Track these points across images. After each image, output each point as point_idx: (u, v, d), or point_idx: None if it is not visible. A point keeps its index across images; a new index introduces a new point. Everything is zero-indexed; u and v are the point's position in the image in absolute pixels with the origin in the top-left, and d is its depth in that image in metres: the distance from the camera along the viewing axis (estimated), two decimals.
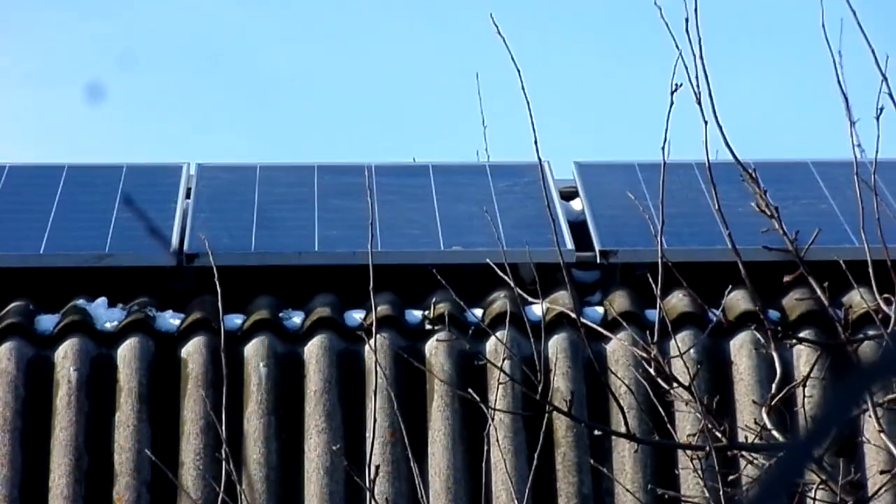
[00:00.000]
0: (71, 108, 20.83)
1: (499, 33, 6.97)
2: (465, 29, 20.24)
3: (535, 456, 7.73)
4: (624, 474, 8.45)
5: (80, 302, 9.22)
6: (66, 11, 20.83)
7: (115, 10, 21.00)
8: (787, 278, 7.57)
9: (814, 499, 6.79)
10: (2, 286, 9.38)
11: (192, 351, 8.97)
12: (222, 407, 8.03)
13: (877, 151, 6.57)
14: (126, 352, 8.96)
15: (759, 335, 8.67)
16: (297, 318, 9.21)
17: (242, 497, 7.53)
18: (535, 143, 7.32)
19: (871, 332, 7.06)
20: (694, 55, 6.49)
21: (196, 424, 8.74)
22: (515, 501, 7.98)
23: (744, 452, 7.05)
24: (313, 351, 9.00)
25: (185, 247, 9.46)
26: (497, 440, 8.52)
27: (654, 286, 7.19)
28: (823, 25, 6.59)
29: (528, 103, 7.10)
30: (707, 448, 6.87)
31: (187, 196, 10.23)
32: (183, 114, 21.62)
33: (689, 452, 7.61)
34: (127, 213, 9.56)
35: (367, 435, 8.44)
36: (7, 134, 21.87)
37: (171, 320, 9.16)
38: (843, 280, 7.04)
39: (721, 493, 6.71)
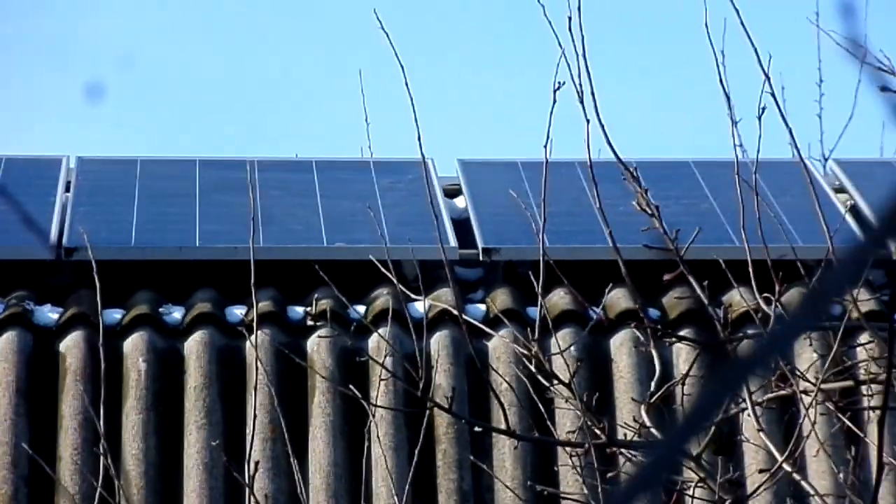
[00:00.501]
0: None
1: (382, 28, 6.99)
2: (347, 26, 20.26)
3: (416, 452, 7.75)
4: (504, 471, 8.49)
5: None
6: None
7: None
8: (666, 277, 7.63)
9: (692, 497, 6.85)
10: None
11: (71, 345, 8.96)
12: (101, 402, 8.02)
13: (758, 151, 6.62)
14: (3, 345, 8.94)
15: (639, 333, 8.71)
16: (177, 314, 9.21)
17: (120, 492, 7.52)
18: (419, 139, 7.34)
19: (750, 332, 7.12)
20: (577, 53, 6.52)
21: (74, 419, 8.73)
22: (395, 498, 8.01)
23: (623, 450, 7.09)
24: (193, 346, 9.01)
25: (64, 240, 9.44)
26: (378, 437, 8.56)
27: (535, 284, 7.22)
28: (706, 25, 6.64)
29: (411, 100, 7.13)
30: (586, 445, 6.92)
31: (67, 189, 10.21)
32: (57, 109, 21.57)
33: (568, 449, 7.66)
34: (2, 205, 9.53)
35: (248, 431, 8.46)
36: None
37: (49, 314, 9.14)
38: (723, 279, 7.09)
39: (600, 490, 6.76)
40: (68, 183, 10.29)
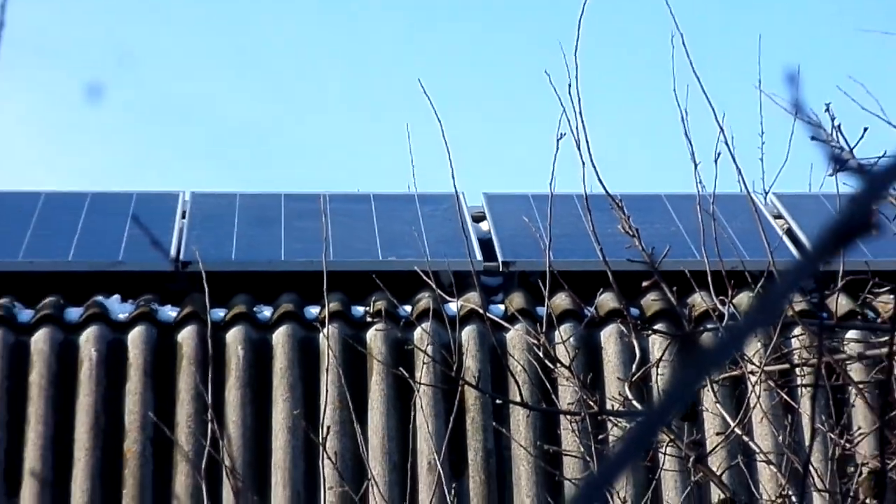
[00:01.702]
0: None
1: (425, 93, 6.95)
2: (394, 84, 20.14)
3: (451, 419, 7.71)
4: (519, 433, 8.45)
5: (100, 298, 9.17)
6: None
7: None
8: (644, 284, 7.58)
9: (664, 454, 6.81)
10: (38, 285, 9.33)
11: (186, 337, 8.93)
12: (208, 380, 7.98)
13: (714, 187, 6.58)
14: (135, 337, 8.92)
15: (623, 327, 8.69)
16: (267, 312, 9.17)
17: (223, 450, 7.49)
18: (453, 177, 7.31)
19: (709, 326, 7.07)
20: (575, 111, 6.50)
21: (188, 394, 8.70)
22: (435, 454, 7.97)
23: (610, 417, 7.06)
24: (279, 338, 8.98)
25: (182, 256, 9.43)
26: (421, 407, 8.52)
27: (543, 289, 7.20)
28: (675, 90, 6.60)
29: (447, 147, 7.10)
30: (582, 414, 6.88)
31: (183, 216, 10.21)
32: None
33: (568, 417, 7.63)
34: (136, 229, 9.53)
35: (321, 403, 8.42)
36: None
37: (169, 313, 9.12)
38: (688, 285, 7.05)
39: (592, 448, 6.72)
40: (184, 212, 10.29)
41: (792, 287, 1.47)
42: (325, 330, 8.79)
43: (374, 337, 8.97)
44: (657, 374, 7.45)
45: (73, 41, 19.84)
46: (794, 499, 6.15)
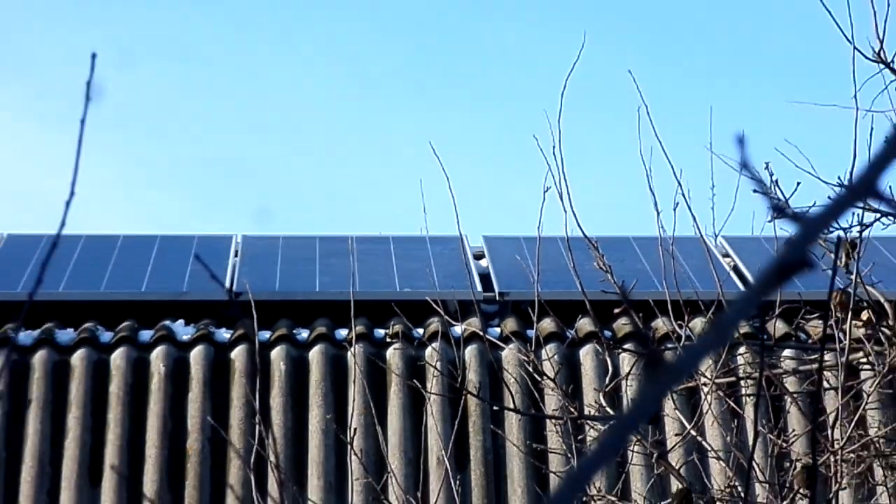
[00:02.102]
0: None
1: (435, 155, 6.93)
2: (410, 140, 20.12)
3: (456, 423, 7.68)
4: (512, 434, 8.40)
5: (167, 322, 9.15)
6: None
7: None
8: (616, 310, 7.56)
9: (632, 451, 6.78)
10: (117, 312, 9.32)
11: (238, 354, 8.90)
12: (256, 390, 7.96)
13: (674, 230, 6.55)
14: (196, 354, 8.89)
15: (598, 347, 8.66)
16: (304, 334, 9.13)
17: (269, 448, 7.45)
18: (458, 224, 7.31)
19: (669, 346, 7.02)
20: (558, 168, 6.48)
21: (239, 401, 8.67)
22: (443, 451, 7.94)
23: (588, 421, 7.01)
24: (314, 355, 8.94)
25: (234, 287, 9.42)
26: (431, 413, 8.47)
27: (532, 315, 7.18)
28: (640, 151, 6.58)
29: (453, 199, 7.09)
30: (564, 418, 6.84)
31: (235, 255, 10.21)
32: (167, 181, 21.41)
33: (553, 421, 7.59)
34: (197, 265, 9.53)
35: (349, 409, 8.40)
36: None
37: (224, 334, 9.09)
38: (651, 312, 7.02)
39: (573, 446, 6.68)
40: (236, 251, 10.28)
41: (740, 315, 1.43)
42: (353, 349, 8.78)
43: (393, 355, 8.94)
44: (626, 385, 7.42)
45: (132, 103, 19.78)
46: (739, 489, 6.11)
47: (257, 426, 7.74)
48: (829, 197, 5.95)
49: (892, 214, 5.81)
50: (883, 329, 5.98)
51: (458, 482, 7.81)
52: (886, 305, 6.06)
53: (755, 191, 5.41)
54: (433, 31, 20.33)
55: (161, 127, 19.36)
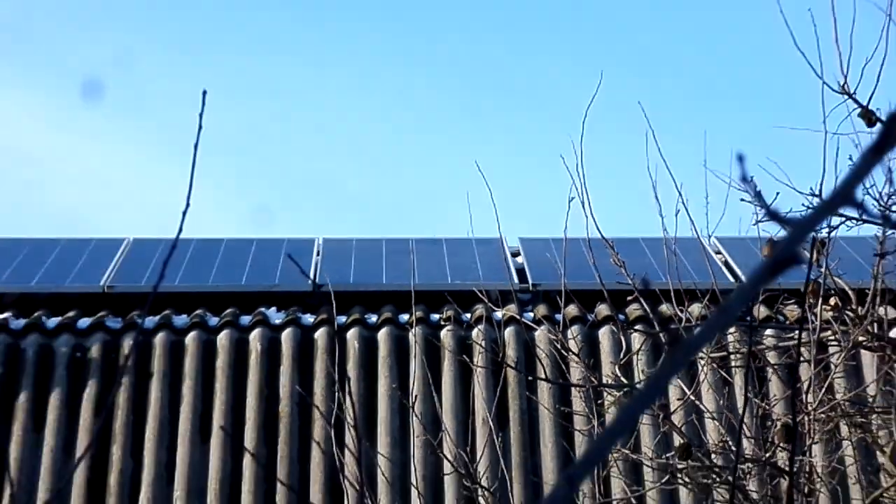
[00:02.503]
0: None
1: (480, 172, 6.92)
2: (461, 150, 19.96)
3: (497, 390, 7.68)
4: (544, 400, 8.39)
5: (262, 309, 9.19)
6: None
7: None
8: (628, 298, 7.56)
9: (642, 414, 6.77)
10: (221, 301, 9.35)
11: (320, 335, 8.91)
12: (335, 364, 8.00)
13: (676, 232, 6.53)
14: (286, 335, 8.91)
15: (613, 328, 8.64)
16: (373, 318, 9.13)
17: (346, 410, 7.47)
18: (499, 229, 7.31)
19: (672, 327, 7.00)
20: (581, 182, 6.47)
21: (321, 373, 8.68)
22: (487, 414, 7.94)
23: (606, 389, 7.00)
24: (382, 335, 8.95)
25: (317, 280, 9.45)
26: (477, 382, 8.48)
27: (559, 302, 7.18)
28: (648, 168, 6.55)
29: (496, 212, 7.09)
30: (587, 386, 6.83)
31: (317, 254, 10.23)
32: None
33: (577, 389, 7.58)
34: (287, 262, 9.55)
35: (411, 379, 8.42)
36: None
37: (309, 319, 9.11)
38: (658, 299, 7.00)
39: (594, 410, 6.67)
40: (318, 250, 10.31)
41: (741, 301, 1.40)
42: (413, 330, 8.79)
43: (446, 335, 8.93)
44: (637, 359, 7.40)
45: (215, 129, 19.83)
46: (730, 444, 6.09)
47: (336, 393, 7.77)
48: (808, 205, 5.90)
49: (857, 219, 5.75)
50: (847, 312, 5.95)
51: (499, 439, 7.79)
52: (850, 293, 6.03)
53: (748, 200, 5.40)
54: (479, 67, 20.28)
55: (249, 149, 19.36)
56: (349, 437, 7.42)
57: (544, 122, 19.76)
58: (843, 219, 5.47)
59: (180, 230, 2.43)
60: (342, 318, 8.98)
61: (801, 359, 6.03)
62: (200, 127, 2.51)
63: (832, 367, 6.21)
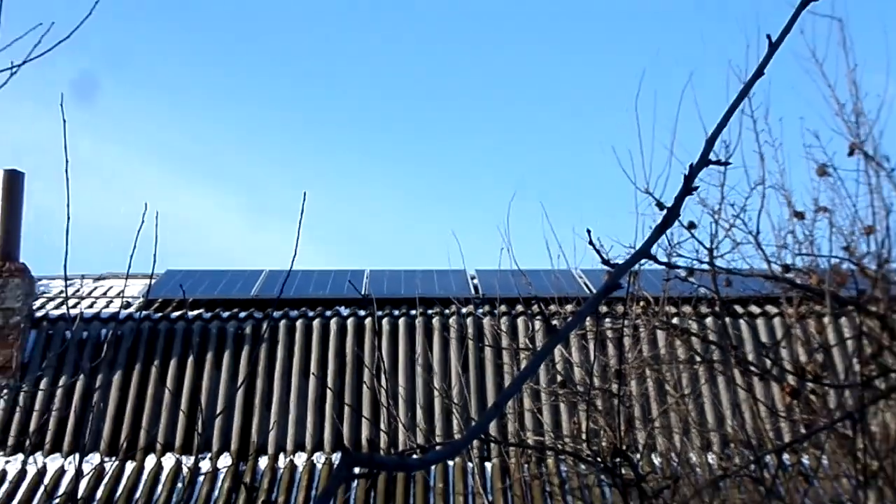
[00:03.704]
0: None
1: (457, 241, 6.85)
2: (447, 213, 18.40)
3: (462, 352, 7.36)
4: (488, 356, 7.86)
5: (337, 308, 8.70)
6: None
7: None
8: (533, 301, 6.90)
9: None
10: (315, 304, 8.76)
11: (367, 322, 8.31)
12: (375, 337, 7.53)
13: (558, 265, 6.06)
14: (350, 322, 8.32)
15: (526, 318, 7.99)
16: (396, 312, 8.52)
17: (381, 362, 7.21)
18: (464, 263, 7.17)
19: (556, 318, 6.78)
20: (507, 239, 6.26)
21: (369, 342, 8.22)
22: (458, 364, 7.62)
23: (522, 351, 6.58)
24: (402, 322, 8.30)
25: (366, 292, 8.83)
26: (452, 347, 8.02)
27: (497, 303, 6.91)
28: (545, 234, 6.49)
29: (461, 252, 7.05)
30: (511, 349, 6.46)
31: (366, 278, 9.56)
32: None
33: (505, 351, 7.18)
34: (353, 281, 8.97)
35: (417, 345, 7.89)
36: None
37: (361, 313, 8.48)
38: (548, 302, 6.50)
39: (517, 363, 6.39)
40: (367, 276, 9.64)
41: (589, 308, 1.24)
42: (417, 319, 8.17)
43: (436, 321, 8.28)
44: (538, 336, 6.98)
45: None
46: (587, 379, 5.78)
47: (375, 353, 7.35)
48: (626, 255, 5.85)
49: (654, 260, 5.65)
50: (651, 310, 5.87)
51: (463, 377, 7.48)
52: (651, 299, 6.01)
53: (596, 250, 5.35)
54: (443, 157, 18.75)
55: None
56: (383, 378, 7.34)
57: (486, 198, 18.69)
58: (646, 261, 5.44)
59: (291, 266, 2.55)
60: (379, 313, 8.65)
61: (624, 334, 5.98)
62: (301, 219, 2.58)
63: (641, 338, 6.15)
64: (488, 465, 7.00)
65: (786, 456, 4.27)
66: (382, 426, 7.38)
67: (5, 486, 6.67)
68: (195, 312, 8.47)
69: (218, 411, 7.59)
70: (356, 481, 6.91)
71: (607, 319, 7.42)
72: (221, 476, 7.05)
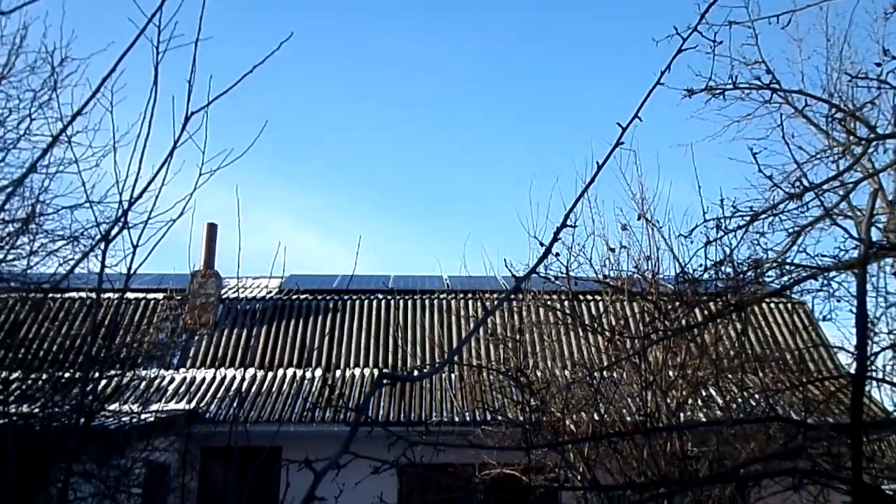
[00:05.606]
0: None
1: (439, 264, 8.36)
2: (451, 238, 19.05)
3: (446, 324, 8.88)
4: (462, 328, 9.38)
5: (377, 295, 9.85)
6: None
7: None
8: (486, 293, 7.88)
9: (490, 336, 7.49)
10: (366, 293, 10.16)
11: (394, 303, 9.83)
12: (400, 314, 8.80)
13: (528, 275, 4.75)
14: (383, 303, 9.97)
15: (483, 303, 8.96)
16: (413, 298, 9.67)
17: (405, 331, 8.46)
18: (442, 273, 9.70)
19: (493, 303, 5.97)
20: (463, 262, 7.88)
21: (395, 318, 9.83)
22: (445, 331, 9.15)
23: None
24: (418, 303, 9.98)
25: (390, 285, 10.17)
26: (442, 320, 9.52)
27: (466, 295, 8.11)
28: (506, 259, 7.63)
29: (441, 268, 9.18)
30: (477, 325, 8.28)
31: (391, 279, 10.86)
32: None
33: (469, 323, 8.77)
34: (383, 279, 10.49)
35: (426, 318, 9.60)
36: None
37: (389, 298, 9.66)
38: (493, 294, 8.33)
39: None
40: (391, 278, 11.14)
41: (506, 298, 1.46)
42: (424, 302, 9.31)
43: (435, 304, 9.52)
44: (497, 310, 4.69)
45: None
46: (517, 338, 6.06)
47: (399, 324, 9.11)
48: (524, 272, 5.74)
49: (538, 274, 5.69)
50: (536, 297, 5.95)
51: (441, 335, 8.93)
52: (537, 292, 6.16)
53: (509, 269, 5.94)
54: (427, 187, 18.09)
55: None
56: (409, 340, 8.93)
57: (458, 223, 18.86)
58: (533, 274, 4.69)
59: (353, 271, 3.11)
60: (399, 298, 10.25)
61: (522, 308, 7.03)
62: (358, 251, 3.33)
63: (531, 310, 7.10)
64: (453, 375, 8.83)
65: (605, 372, 6.14)
66: (400, 357, 9.14)
67: (205, 385, 9.45)
68: (304, 296, 11.04)
69: (315, 347, 10.27)
70: (386, 386, 8.79)
71: (514, 302, 8.73)
72: (317, 380, 9.49)
